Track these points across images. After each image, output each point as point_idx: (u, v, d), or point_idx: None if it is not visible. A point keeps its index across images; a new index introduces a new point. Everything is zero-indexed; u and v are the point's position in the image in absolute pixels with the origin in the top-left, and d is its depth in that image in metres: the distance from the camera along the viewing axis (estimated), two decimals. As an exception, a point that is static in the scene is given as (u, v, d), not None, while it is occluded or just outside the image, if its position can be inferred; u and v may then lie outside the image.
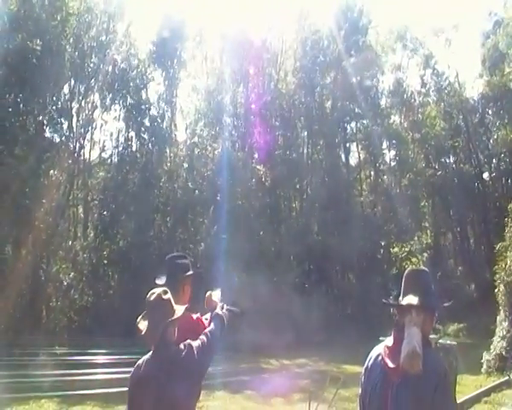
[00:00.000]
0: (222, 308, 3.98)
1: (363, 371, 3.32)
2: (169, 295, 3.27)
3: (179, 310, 3.25)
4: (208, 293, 3.99)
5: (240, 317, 4.21)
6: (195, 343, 3.25)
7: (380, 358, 3.17)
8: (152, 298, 3.23)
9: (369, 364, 3.26)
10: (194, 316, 3.89)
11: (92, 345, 20.61)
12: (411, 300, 3.09)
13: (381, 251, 37.88)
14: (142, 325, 3.20)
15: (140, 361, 3.29)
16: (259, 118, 38.57)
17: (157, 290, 3.27)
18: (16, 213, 25.04)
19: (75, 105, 33.12)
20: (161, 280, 3.84)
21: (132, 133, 35.26)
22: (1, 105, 27.18)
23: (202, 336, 3.34)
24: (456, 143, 43.97)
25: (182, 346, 3.20)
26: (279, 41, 42.08)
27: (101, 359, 17.54)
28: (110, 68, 33.67)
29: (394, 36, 45.19)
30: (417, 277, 3.32)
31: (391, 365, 3.03)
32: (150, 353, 3.25)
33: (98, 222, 33.38)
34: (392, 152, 44.25)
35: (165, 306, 3.22)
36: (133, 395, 3.22)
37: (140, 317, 3.26)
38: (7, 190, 25.22)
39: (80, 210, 36.31)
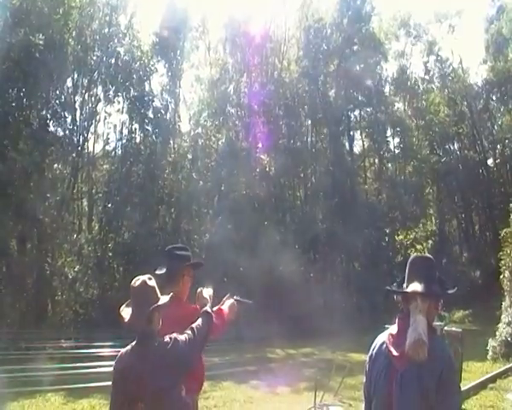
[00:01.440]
0: (231, 298, 4.00)
1: (367, 359, 3.32)
2: (154, 282, 3.25)
3: (164, 299, 3.23)
4: (199, 289, 3.97)
5: (250, 307, 4.22)
6: (181, 337, 3.22)
7: (384, 346, 3.16)
8: (137, 284, 3.20)
9: (374, 352, 3.26)
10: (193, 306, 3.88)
11: (98, 338, 20.66)
12: (416, 287, 3.08)
13: (386, 239, 37.82)
14: (126, 312, 3.17)
15: (123, 351, 3.26)
16: (263, 107, 38.49)
17: (142, 277, 3.25)
18: (20, 207, 25.07)
19: (78, 98, 33.03)
20: (161, 271, 3.84)
21: (136, 125, 35.00)
22: (4, 100, 27.21)
23: (188, 331, 3.31)
24: (461, 130, 43.90)
25: (167, 339, 3.16)
26: (282, 30, 41.80)
27: (107, 351, 17.54)
28: (113, 61, 33.57)
29: (397, 23, 45.14)
30: (422, 264, 3.31)
31: (395, 353, 3.03)
32: (134, 342, 3.22)
33: (103, 215, 33.41)
34: (397, 139, 44.20)
35: (151, 292, 3.20)
36: (117, 385, 3.19)
37: (124, 305, 3.24)
38: (11, 184, 25.30)
39: (85, 203, 36.40)
